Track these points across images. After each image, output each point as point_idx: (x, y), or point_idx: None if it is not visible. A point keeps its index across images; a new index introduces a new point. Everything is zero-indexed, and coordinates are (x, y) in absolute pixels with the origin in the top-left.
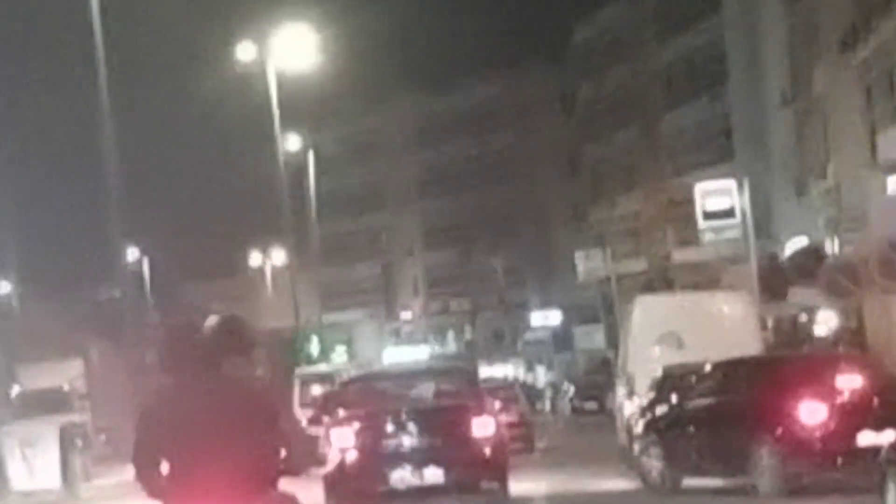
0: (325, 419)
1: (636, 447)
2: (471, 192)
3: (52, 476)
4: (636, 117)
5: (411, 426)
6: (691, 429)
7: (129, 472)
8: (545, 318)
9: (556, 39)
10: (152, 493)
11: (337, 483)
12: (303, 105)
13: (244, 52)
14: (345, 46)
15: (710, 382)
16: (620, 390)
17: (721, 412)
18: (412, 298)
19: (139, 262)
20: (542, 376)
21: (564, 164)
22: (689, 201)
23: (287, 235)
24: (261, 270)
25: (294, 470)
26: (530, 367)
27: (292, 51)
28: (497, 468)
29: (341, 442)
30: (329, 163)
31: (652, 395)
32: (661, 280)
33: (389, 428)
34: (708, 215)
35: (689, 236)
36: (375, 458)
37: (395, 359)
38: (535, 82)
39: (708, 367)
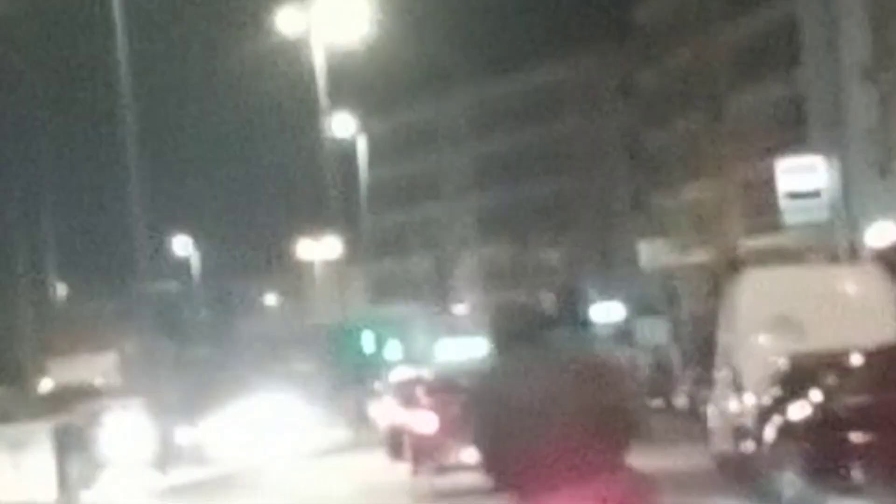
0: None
1: (763, 457)
2: (527, 182)
3: (46, 485)
4: (701, 100)
5: None
6: (849, 436)
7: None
8: (604, 311)
9: (616, 21)
10: (502, 479)
11: (419, 456)
12: (352, 84)
13: (286, 21)
14: (398, 18)
15: (866, 375)
16: (721, 386)
17: (889, 414)
18: (467, 291)
19: (189, 254)
20: None
21: (624, 151)
22: (759, 187)
23: (337, 226)
24: (309, 262)
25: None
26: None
27: (340, 21)
28: None
29: (426, 423)
30: (380, 150)
31: (774, 391)
32: (729, 270)
33: (461, 412)
34: (791, 195)
35: (759, 223)
36: (451, 436)
37: (449, 352)
38: (594, 66)
39: (857, 357)
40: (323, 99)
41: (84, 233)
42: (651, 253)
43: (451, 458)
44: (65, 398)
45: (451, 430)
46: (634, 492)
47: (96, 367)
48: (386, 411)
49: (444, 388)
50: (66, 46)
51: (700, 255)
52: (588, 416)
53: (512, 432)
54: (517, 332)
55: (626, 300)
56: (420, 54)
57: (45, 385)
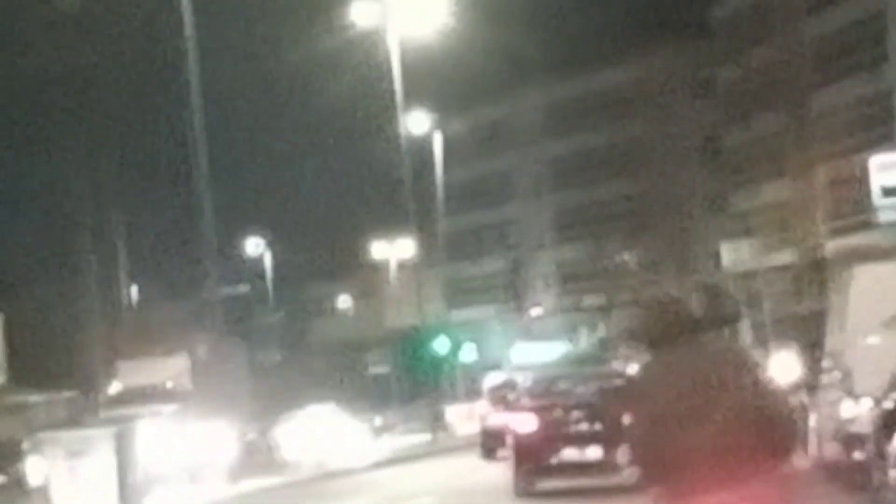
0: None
1: (887, 467)
2: (604, 183)
3: (106, 493)
4: (782, 98)
5: (578, 414)
6: None
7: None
8: None
9: (694, 17)
10: (656, 478)
11: (522, 455)
12: (428, 79)
13: (361, 14)
14: (475, 11)
15: None
16: (828, 389)
17: None
18: (542, 294)
19: (261, 255)
20: None
21: (703, 151)
22: (846, 185)
23: (412, 227)
24: (384, 264)
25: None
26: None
27: (417, 13)
28: None
29: (526, 424)
30: (453, 149)
31: None
32: (813, 272)
33: (561, 415)
34: (886, 192)
35: (847, 223)
36: (551, 437)
37: (525, 356)
38: (671, 64)
39: None
40: (399, 96)
41: (156, 235)
42: (733, 255)
43: (552, 459)
44: (132, 402)
45: (552, 431)
46: (787, 495)
47: (167, 371)
48: (481, 414)
49: (544, 391)
50: (134, 44)
51: (784, 257)
52: (746, 418)
53: (668, 432)
54: (668, 332)
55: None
56: (496, 50)
57: (114, 388)
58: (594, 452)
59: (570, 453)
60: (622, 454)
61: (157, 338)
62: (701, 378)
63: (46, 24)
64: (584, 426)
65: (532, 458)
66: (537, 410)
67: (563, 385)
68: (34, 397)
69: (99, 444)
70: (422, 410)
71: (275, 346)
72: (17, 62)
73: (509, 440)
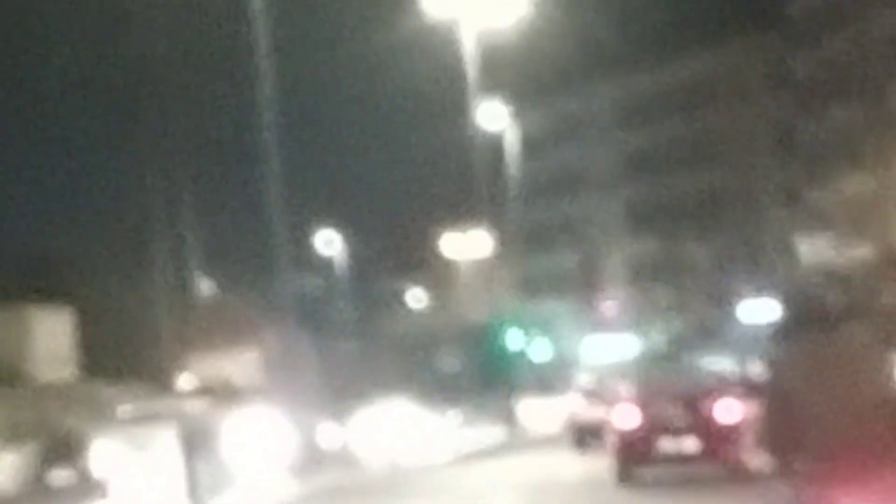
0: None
1: None
2: (677, 176)
3: (175, 489)
4: (858, 89)
5: (675, 407)
6: None
7: None
8: (758, 310)
9: (769, 7)
10: (794, 468)
11: (623, 447)
12: (501, 70)
13: (434, 3)
14: (552, 3)
15: None
16: None
17: None
18: (615, 288)
19: (333, 248)
20: (756, 372)
21: (778, 143)
22: None
23: (485, 220)
24: (456, 258)
25: None
26: (742, 363)
27: (493, 3)
28: (738, 443)
29: (627, 417)
30: (527, 142)
31: None
32: (893, 268)
33: (660, 408)
34: None
35: None
36: (649, 429)
37: (597, 350)
38: (746, 55)
39: None
40: (473, 86)
41: (229, 227)
42: (810, 248)
43: (652, 450)
44: (202, 396)
45: (652, 423)
46: None
47: (238, 365)
48: (572, 408)
49: (642, 385)
50: (205, 31)
51: (862, 251)
52: (884, 411)
53: (809, 423)
54: (812, 321)
55: (783, 299)
56: (571, 41)
57: (184, 381)
58: (691, 444)
59: (668, 444)
60: (717, 445)
61: (228, 331)
62: (843, 370)
63: (118, 11)
64: (681, 419)
65: (633, 449)
66: (638, 404)
67: (660, 379)
68: (103, 390)
69: (167, 438)
70: (495, 405)
71: (347, 340)
72: (84, 51)
73: (610, 432)
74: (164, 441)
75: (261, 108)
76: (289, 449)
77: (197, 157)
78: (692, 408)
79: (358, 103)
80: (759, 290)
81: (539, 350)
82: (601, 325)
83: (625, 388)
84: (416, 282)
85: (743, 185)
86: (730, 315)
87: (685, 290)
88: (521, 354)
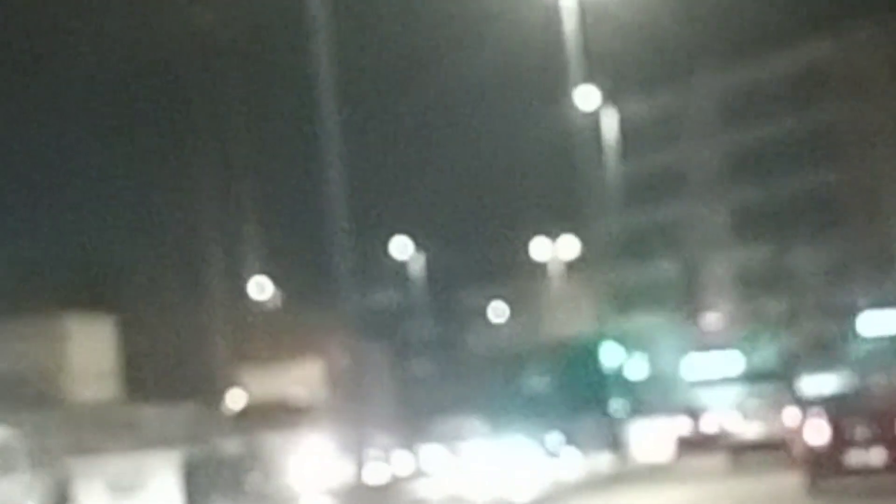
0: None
1: None
2: (788, 175)
3: None
4: None
5: (863, 421)
6: None
7: None
8: (881, 322)
9: None
10: None
11: (811, 460)
12: (594, 62)
13: None
14: None
15: None
16: None
17: None
18: (718, 300)
19: (408, 257)
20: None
21: None
22: None
23: (575, 225)
24: (543, 266)
25: None
26: (865, 380)
27: None
28: None
29: (815, 432)
30: (622, 138)
31: None
32: None
33: (848, 422)
34: None
35: None
36: (838, 442)
37: (700, 366)
38: (867, 41)
39: None
40: (571, 75)
41: (293, 232)
42: None
43: (841, 463)
44: (257, 416)
45: (841, 437)
46: None
47: (297, 379)
48: (728, 425)
49: (832, 399)
50: (263, 31)
51: None
52: None
53: None
54: None
55: None
56: (672, 26)
57: (238, 399)
58: (879, 456)
59: (856, 457)
60: None
61: (288, 343)
62: None
63: (176, 17)
64: (868, 432)
65: (822, 463)
66: (827, 419)
67: (846, 395)
68: (148, 410)
69: (164, 476)
70: (595, 428)
71: (425, 356)
72: (140, 56)
73: (800, 447)
74: (162, 480)
75: (325, 101)
76: (350, 473)
77: (259, 156)
78: (878, 421)
79: (436, 96)
80: (883, 301)
81: (636, 368)
82: (704, 340)
83: (816, 405)
84: (500, 293)
85: (864, 185)
86: (849, 328)
87: (798, 302)
88: (618, 373)
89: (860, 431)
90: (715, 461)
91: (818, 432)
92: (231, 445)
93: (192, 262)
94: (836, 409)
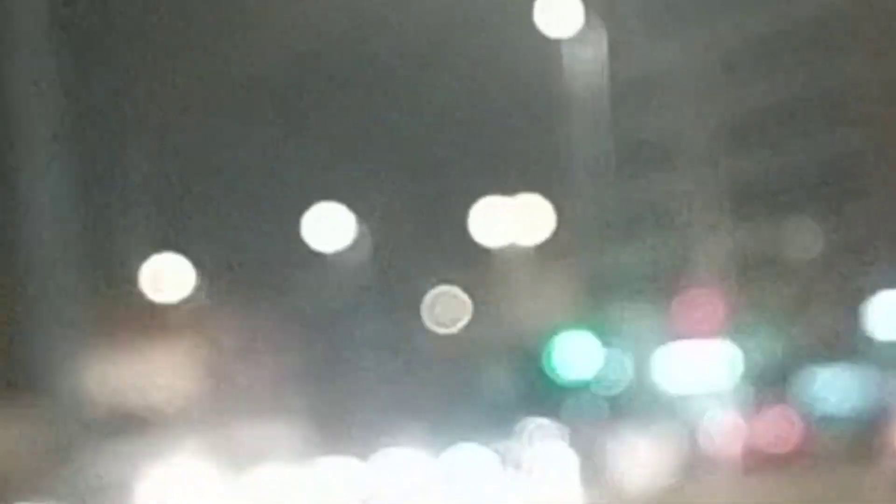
0: None
1: None
2: (797, 142)
3: None
4: None
5: None
6: None
7: None
8: None
9: None
10: None
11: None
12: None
13: None
14: None
15: None
16: None
17: None
18: (712, 286)
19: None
20: None
21: None
22: None
23: (543, 193)
24: (500, 248)
25: None
26: (883, 377)
27: None
28: None
29: None
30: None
31: None
32: None
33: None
34: None
35: None
36: None
37: (682, 363)
38: None
39: None
40: None
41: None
42: None
43: None
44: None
45: None
46: None
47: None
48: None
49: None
50: None
51: None
52: None
53: None
54: None
55: None
56: None
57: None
58: None
59: None
60: None
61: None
62: None
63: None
64: None
65: None
66: None
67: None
68: None
69: None
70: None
71: (362, 352)
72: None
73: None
74: None
75: None
76: None
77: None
78: None
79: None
80: None
81: (614, 367)
82: (693, 335)
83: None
84: (450, 281)
85: (887, 152)
86: (863, 318)
87: (804, 288)
88: (588, 373)
89: None
90: (726, 485)
91: None
92: None
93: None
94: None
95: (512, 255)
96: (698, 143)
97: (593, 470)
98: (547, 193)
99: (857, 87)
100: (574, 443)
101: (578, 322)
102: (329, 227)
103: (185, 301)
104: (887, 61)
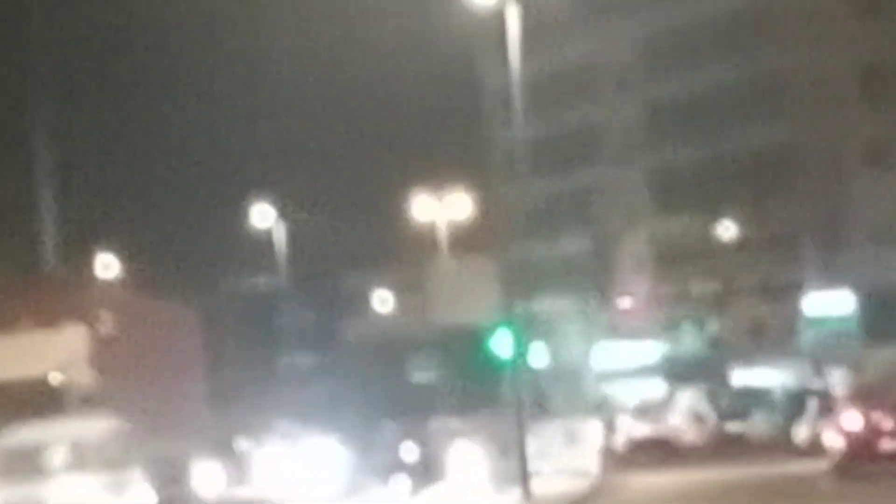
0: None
1: None
2: (722, 134)
3: None
4: None
5: (893, 411)
6: None
7: None
8: (830, 301)
9: None
10: None
11: (847, 446)
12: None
13: None
14: None
15: None
16: None
17: None
18: (635, 281)
19: (271, 232)
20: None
21: (862, 86)
22: None
23: (467, 187)
24: (429, 240)
25: None
26: (818, 371)
27: None
28: None
29: (850, 421)
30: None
31: None
32: None
33: (879, 414)
34: None
35: None
36: (869, 432)
37: (609, 358)
38: None
39: None
40: None
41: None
42: None
43: (874, 449)
44: None
45: (874, 426)
46: None
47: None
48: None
49: (862, 390)
50: None
51: None
52: None
53: None
54: None
55: (861, 287)
56: None
57: None
58: None
59: (887, 444)
60: None
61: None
62: None
63: None
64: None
65: (857, 449)
66: (860, 409)
67: (875, 386)
68: None
69: None
70: (482, 434)
71: (302, 348)
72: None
73: (836, 436)
74: None
75: None
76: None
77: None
78: None
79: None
80: (833, 279)
81: (537, 359)
82: (616, 326)
83: (850, 397)
84: (382, 275)
85: (816, 144)
86: (792, 311)
87: (730, 281)
88: (515, 364)
89: (891, 420)
90: (661, 479)
91: (853, 421)
92: None
93: None
94: (867, 400)
95: (434, 246)
96: (624, 134)
97: (505, 465)
98: (468, 187)
99: (783, 79)
100: (486, 439)
101: (499, 317)
102: (252, 218)
103: (100, 282)
104: (812, 53)
